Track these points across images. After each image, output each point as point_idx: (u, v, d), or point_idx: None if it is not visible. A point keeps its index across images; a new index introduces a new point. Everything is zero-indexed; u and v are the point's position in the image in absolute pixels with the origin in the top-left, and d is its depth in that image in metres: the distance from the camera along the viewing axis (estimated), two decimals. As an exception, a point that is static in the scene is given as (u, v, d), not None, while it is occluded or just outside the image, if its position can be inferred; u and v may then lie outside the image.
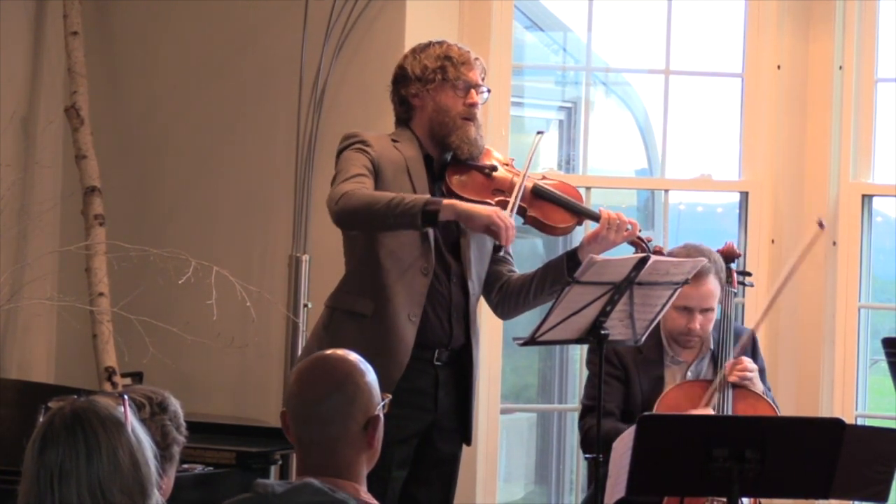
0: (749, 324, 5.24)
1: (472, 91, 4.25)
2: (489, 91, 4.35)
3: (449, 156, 4.25)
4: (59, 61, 5.52)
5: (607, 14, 5.85)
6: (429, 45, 4.30)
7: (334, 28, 5.34)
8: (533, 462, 6.77)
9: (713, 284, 4.68)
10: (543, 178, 4.35)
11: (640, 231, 4.27)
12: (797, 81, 5.58)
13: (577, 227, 4.37)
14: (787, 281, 4.68)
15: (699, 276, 4.57)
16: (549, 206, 4.24)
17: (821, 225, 4.63)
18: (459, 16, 5.52)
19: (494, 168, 4.26)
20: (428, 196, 4.06)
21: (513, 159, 4.35)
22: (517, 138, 5.68)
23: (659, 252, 4.27)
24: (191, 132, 5.60)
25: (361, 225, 4.07)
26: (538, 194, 4.24)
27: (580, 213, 4.28)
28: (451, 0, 5.51)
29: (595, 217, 4.25)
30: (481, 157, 4.27)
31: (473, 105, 4.24)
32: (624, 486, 3.92)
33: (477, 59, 4.30)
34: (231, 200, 5.56)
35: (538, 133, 4.33)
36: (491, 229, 4.01)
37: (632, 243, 4.29)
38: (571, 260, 4.23)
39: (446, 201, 4.02)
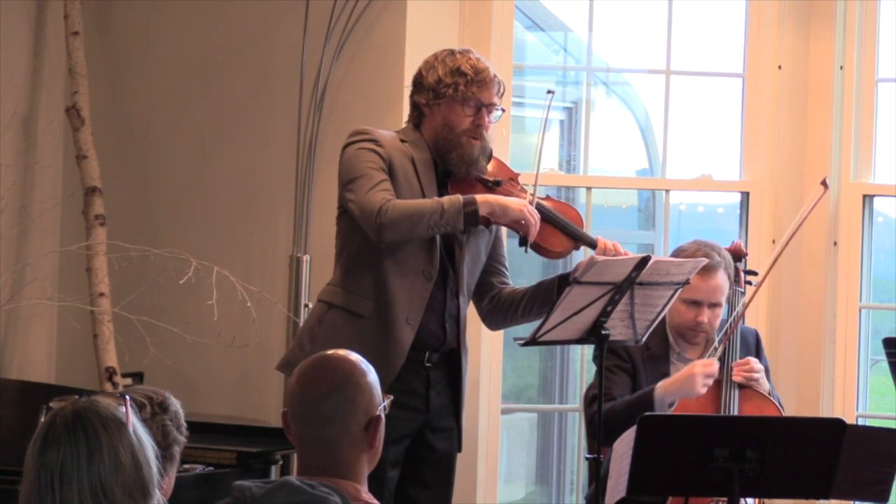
0: (752, 322, 5.25)
1: (483, 110, 4.20)
2: (503, 110, 4.29)
3: (451, 168, 4.25)
4: (59, 61, 5.52)
5: (608, 14, 5.85)
6: (451, 53, 4.24)
7: (335, 28, 5.34)
8: (533, 462, 6.77)
9: (722, 279, 4.69)
10: (547, 198, 4.34)
11: None
12: (798, 81, 5.58)
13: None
14: (790, 240, 4.73)
15: (708, 269, 4.60)
16: (548, 229, 4.21)
17: (824, 184, 4.66)
18: (460, 16, 5.52)
19: (498, 182, 4.23)
20: (460, 196, 4.05)
21: (518, 174, 4.33)
22: (517, 138, 5.68)
23: None
24: (191, 132, 5.61)
25: (404, 237, 4.07)
26: (540, 215, 4.21)
27: (578, 239, 4.26)
28: (451, 0, 5.51)
29: (592, 244, 4.24)
30: (489, 171, 4.25)
31: (481, 125, 4.21)
32: (625, 486, 3.92)
33: (495, 76, 4.23)
34: (232, 200, 5.56)
35: (548, 92, 4.28)
36: (521, 223, 4.04)
37: None
38: (563, 284, 4.20)
39: (479, 197, 4.05)
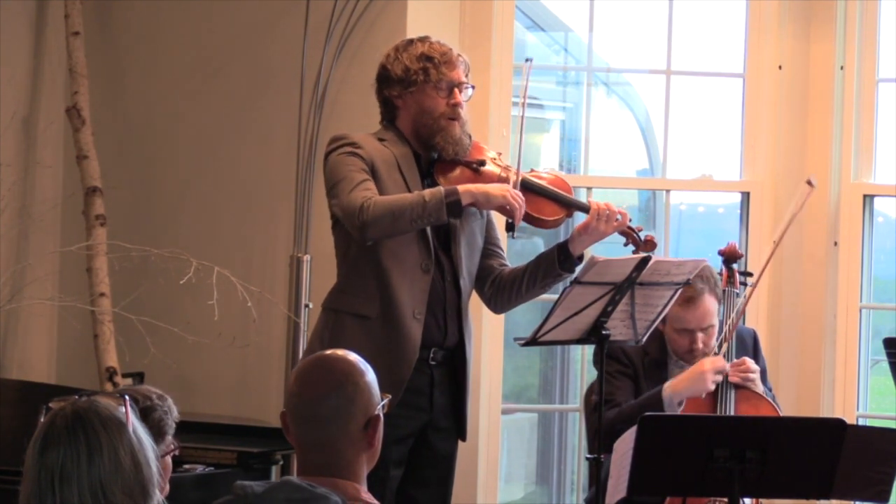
0: (753, 318, 5.24)
1: (455, 90, 4.23)
2: (473, 88, 4.32)
3: (436, 154, 4.25)
4: (60, 61, 5.52)
5: (608, 14, 5.84)
6: (411, 43, 4.27)
7: (335, 29, 5.34)
8: (534, 462, 6.77)
9: (709, 303, 4.66)
10: (532, 171, 4.35)
11: (630, 221, 4.26)
12: (798, 82, 5.58)
13: (569, 220, 4.37)
14: (781, 239, 4.77)
15: (692, 300, 4.60)
16: (538, 200, 4.24)
17: (810, 183, 4.68)
18: (460, 16, 5.52)
19: (482, 163, 4.26)
20: (442, 188, 4.06)
21: (500, 153, 4.36)
22: (518, 138, 5.67)
23: (650, 241, 4.27)
24: (192, 132, 5.61)
25: (387, 233, 4.06)
26: (527, 188, 4.23)
27: (570, 205, 4.28)
28: (452, 0, 5.51)
29: (585, 208, 4.24)
30: (470, 152, 4.27)
31: (457, 105, 4.23)
32: (625, 487, 3.92)
33: (460, 55, 4.27)
34: (232, 200, 5.56)
35: (527, 60, 4.32)
36: (506, 208, 4.06)
37: (622, 233, 4.28)
38: (562, 252, 4.23)
39: (461, 188, 4.05)
